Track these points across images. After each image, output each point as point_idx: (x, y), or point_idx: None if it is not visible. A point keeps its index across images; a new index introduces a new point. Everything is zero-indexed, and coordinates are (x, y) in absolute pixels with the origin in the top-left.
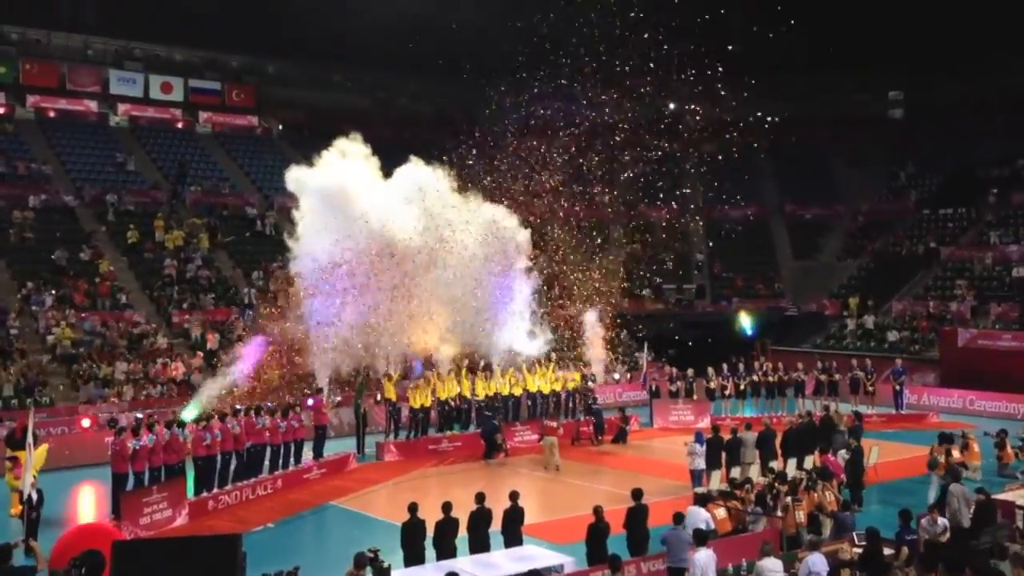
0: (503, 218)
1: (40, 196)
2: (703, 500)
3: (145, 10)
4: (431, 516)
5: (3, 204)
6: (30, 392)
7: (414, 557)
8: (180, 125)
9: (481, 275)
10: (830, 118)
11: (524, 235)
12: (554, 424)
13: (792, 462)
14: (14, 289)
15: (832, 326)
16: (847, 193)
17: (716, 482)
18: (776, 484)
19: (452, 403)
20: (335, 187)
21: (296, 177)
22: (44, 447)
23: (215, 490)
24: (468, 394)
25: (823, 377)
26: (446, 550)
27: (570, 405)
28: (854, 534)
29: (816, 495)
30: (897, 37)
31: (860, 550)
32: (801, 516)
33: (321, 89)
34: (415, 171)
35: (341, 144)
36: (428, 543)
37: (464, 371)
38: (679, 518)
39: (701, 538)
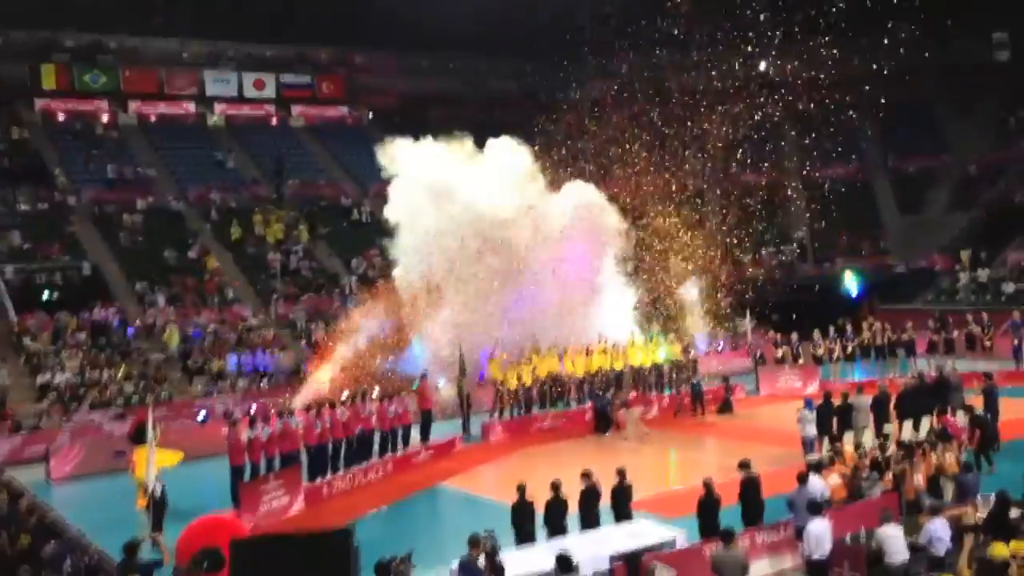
0: (591, 193)
1: (147, 199)
2: (816, 468)
3: (234, 10)
4: (540, 495)
5: (113, 209)
6: (149, 389)
7: (525, 537)
8: (274, 120)
9: (572, 252)
10: (932, 66)
11: (612, 210)
12: (633, 395)
13: (908, 425)
14: (128, 290)
15: (944, 281)
16: (954, 143)
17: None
18: (890, 447)
19: (553, 381)
20: (430, 168)
21: (390, 156)
22: (179, 455)
23: (328, 476)
24: (569, 371)
25: (935, 335)
26: (557, 529)
27: (673, 377)
28: (978, 497)
29: (936, 457)
30: None
31: (984, 514)
32: (920, 480)
33: (409, 75)
34: (504, 151)
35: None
36: (538, 522)
37: (565, 349)
38: (803, 479)
39: (815, 508)
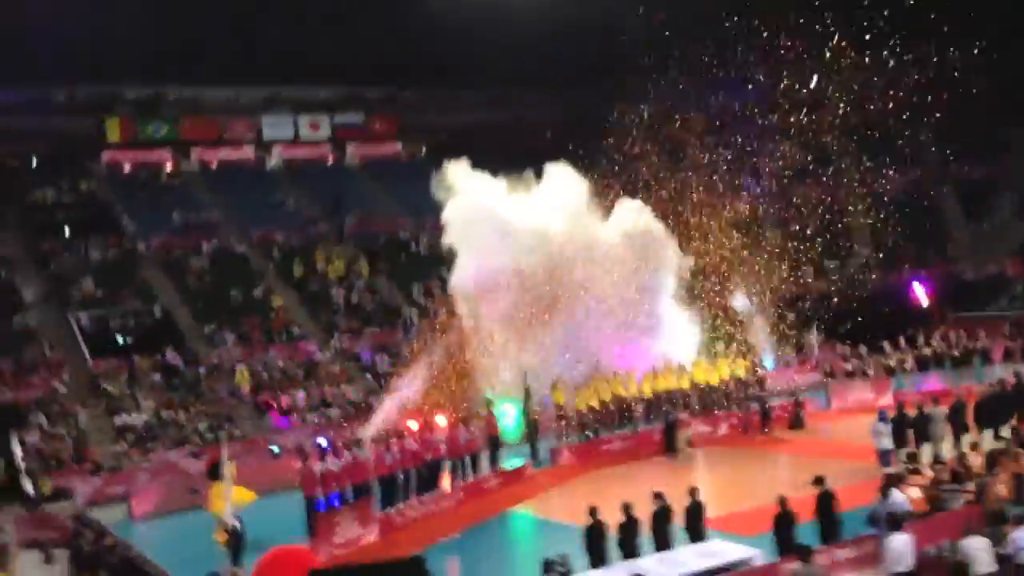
0: (642, 213)
1: (212, 242)
2: (895, 481)
3: (288, 54)
4: (611, 517)
5: (180, 254)
6: (221, 426)
7: (599, 560)
8: (330, 160)
9: (626, 276)
10: (987, 70)
11: (663, 231)
12: (685, 416)
13: (988, 433)
14: (198, 332)
15: (1016, 287)
16: (1017, 146)
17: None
18: (968, 457)
19: (619, 402)
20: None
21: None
22: (251, 495)
23: (400, 505)
24: (635, 393)
25: (1012, 342)
26: (630, 550)
27: (739, 395)
28: None
29: (1021, 466)
30: None
31: None
32: (1002, 489)
33: (458, 110)
34: (558, 179)
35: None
36: (612, 544)
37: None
38: (884, 492)
39: (895, 522)
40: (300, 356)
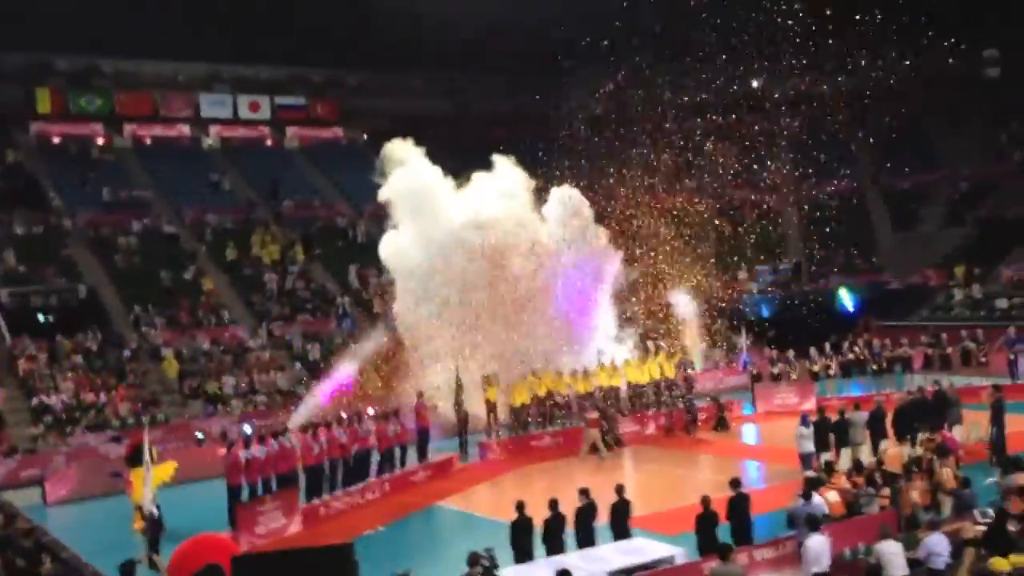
0: (580, 203)
1: (142, 221)
2: (815, 484)
3: (230, 32)
4: (538, 513)
5: (109, 231)
6: (145, 409)
7: (524, 555)
8: (269, 142)
9: (562, 270)
10: (923, 83)
11: (598, 227)
12: (595, 415)
13: (905, 441)
14: (125, 313)
15: (938, 297)
16: (946, 159)
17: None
18: (886, 463)
19: (551, 400)
20: (423, 189)
21: (390, 183)
22: (172, 465)
23: (326, 496)
24: (565, 390)
25: (931, 351)
26: (556, 546)
27: (666, 395)
28: (976, 512)
29: (936, 473)
30: None
31: (983, 527)
32: (917, 496)
33: (402, 96)
34: (496, 171)
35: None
36: (537, 539)
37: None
38: (804, 495)
39: (814, 523)
40: (229, 342)
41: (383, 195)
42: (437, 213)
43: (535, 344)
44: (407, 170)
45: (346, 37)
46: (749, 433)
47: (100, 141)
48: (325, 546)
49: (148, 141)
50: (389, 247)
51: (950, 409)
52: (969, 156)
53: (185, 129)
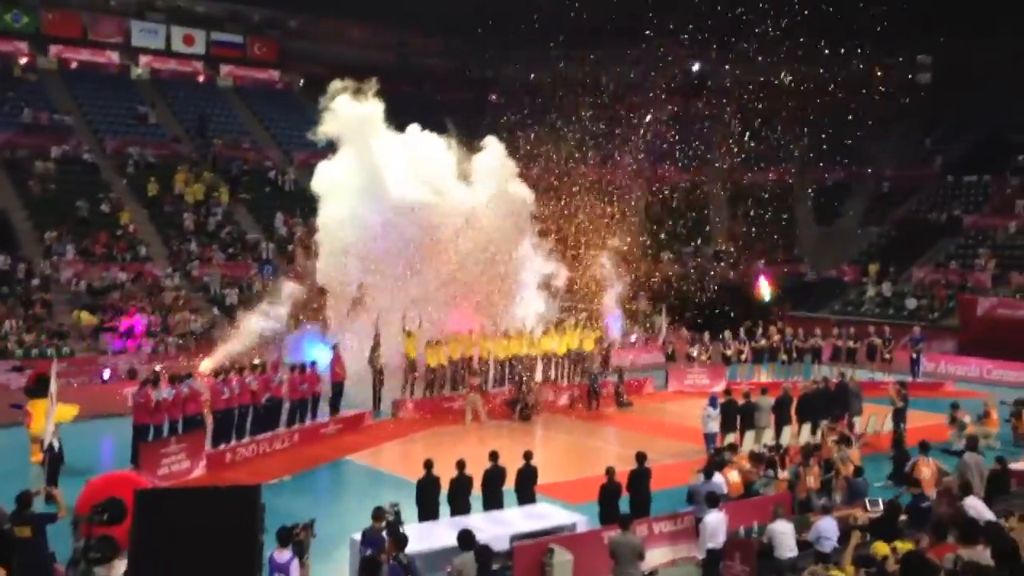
0: (510, 176)
1: (62, 147)
2: (717, 464)
3: None
4: (446, 473)
5: (25, 154)
6: (51, 341)
7: (429, 513)
8: (201, 78)
9: (490, 237)
10: (856, 83)
11: (529, 195)
12: (476, 381)
13: (806, 427)
14: (36, 239)
15: (851, 292)
16: (871, 159)
17: (747, 445)
18: (784, 449)
19: (468, 363)
20: (366, 122)
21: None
22: (75, 408)
23: (232, 442)
24: (485, 355)
25: (840, 343)
26: (460, 507)
27: (577, 369)
28: (867, 500)
29: (834, 461)
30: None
31: (874, 515)
32: (812, 481)
33: (343, 44)
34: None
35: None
36: (443, 499)
37: (480, 333)
38: (707, 473)
39: (713, 500)
40: (145, 279)
41: (326, 122)
42: (376, 154)
43: (453, 303)
44: (352, 102)
45: None
46: (660, 410)
47: (23, 60)
48: (231, 486)
49: (74, 65)
50: (324, 177)
51: (851, 400)
52: (893, 158)
53: (114, 56)
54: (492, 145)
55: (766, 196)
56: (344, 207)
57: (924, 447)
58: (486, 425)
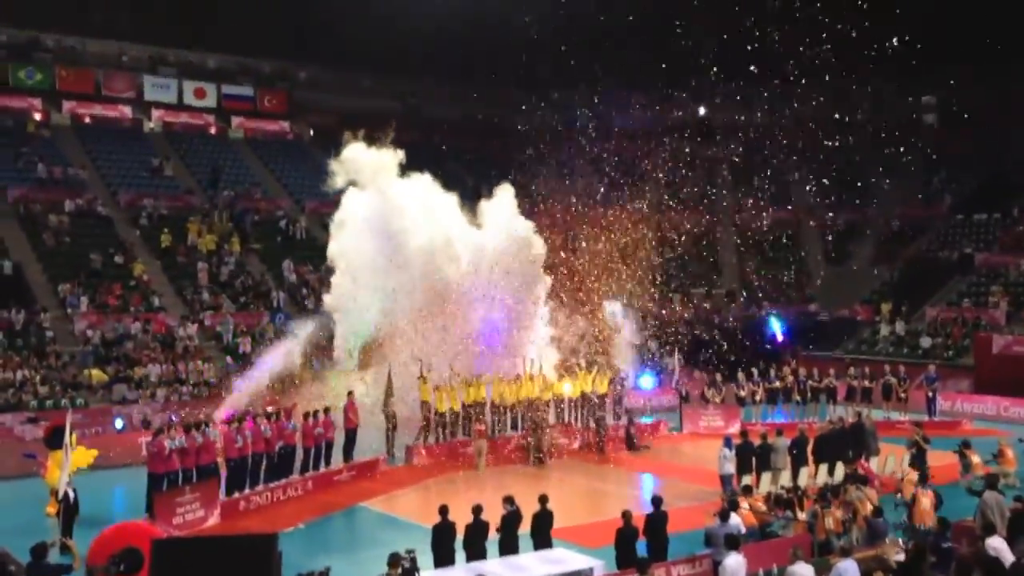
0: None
1: (76, 201)
2: (734, 505)
3: (178, 16)
4: (461, 519)
5: (39, 208)
6: (66, 392)
7: (444, 559)
8: (213, 131)
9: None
10: (863, 123)
11: (539, 241)
12: (483, 428)
13: (823, 468)
14: (50, 292)
15: (864, 332)
16: (880, 199)
17: (763, 486)
18: (802, 491)
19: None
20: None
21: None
22: (92, 453)
23: (247, 491)
24: (497, 400)
25: (855, 383)
26: (476, 552)
27: (582, 412)
28: (899, 540)
29: (851, 502)
30: (930, 41)
31: (902, 557)
32: (831, 522)
33: (351, 95)
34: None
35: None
36: (458, 545)
37: (495, 378)
38: (723, 515)
39: (732, 543)
40: (157, 329)
41: (337, 168)
42: (391, 201)
43: (466, 350)
44: (365, 151)
45: (298, 30)
46: (675, 453)
47: (38, 116)
48: (248, 535)
49: (87, 120)
50: (339, 233)
51: (868, 440)
52: (901, 198)
53: (127, 111)
54: (502, 191)
55: (776, 237)
56: (358, 253)
57: (923, 479)
58: (504, 471)
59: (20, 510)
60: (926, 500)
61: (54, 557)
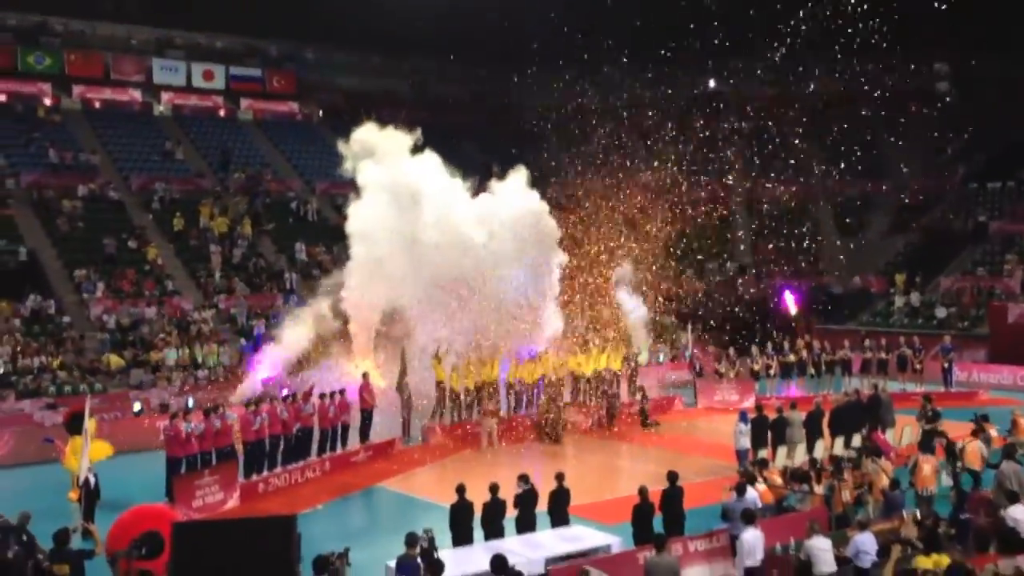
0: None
1: (88, 185)
2: (750, 479)
3: None
4: (478, 497)
5: (52, 194)
6: (84, 378)
7: (462, 538)
8: (222, 112)
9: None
10: (875, 93)
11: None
12: (492, 406)
13: (839, 441)
14: (66, 278)
15: (879, 303)
16: (893, 169)
17: (779, 460)
18: (819, 464)
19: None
20: (400, 184)
21: (366, 173)
22: (109, 448)
23: (265, 473)
24: (511, 378)
25: (870, 355)
26: (494, 531)
27: (599, 390)
28: (915, 511)
29: (867, 474)
30: (943, 10)
31: (912, 528)
32: (847, 495)
33: (360, 74)
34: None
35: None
36: (476, 523)
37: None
38: (740, 489)
39: (749, 517)
40: (172, 313)
41: (353, 144)
42: (408, 184)
43: (484, 329)
44: (378, 131)
45: (305, 10)
46: (690, 428)
47: (47, 101)
48: (267, 516)
49: (97, 104)
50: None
51: (884, 412)
52: (915, 168)
53: (136, 94)
54: (514, 171)
55: (788, 210)
56: (375, 235)
57: (926, 446)
58: (519, 449)
59: (42, 496)
60: (927, 466)
61: (76, 542)
